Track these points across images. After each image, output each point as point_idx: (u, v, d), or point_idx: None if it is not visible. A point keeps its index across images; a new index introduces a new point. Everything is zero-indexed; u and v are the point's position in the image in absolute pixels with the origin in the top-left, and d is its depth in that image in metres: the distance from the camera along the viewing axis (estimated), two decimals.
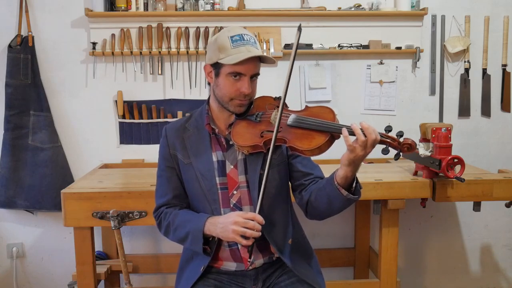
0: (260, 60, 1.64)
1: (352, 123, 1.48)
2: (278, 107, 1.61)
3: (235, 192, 1.69)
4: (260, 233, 1.53)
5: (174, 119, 2.85)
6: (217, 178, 1.68)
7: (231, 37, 1.59)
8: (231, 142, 1.66)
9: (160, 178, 1.77)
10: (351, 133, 1.46)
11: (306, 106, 1.66)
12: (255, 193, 1.65)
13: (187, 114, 1.82)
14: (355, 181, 1.55)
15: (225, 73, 1.61)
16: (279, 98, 1.69)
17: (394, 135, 1.49)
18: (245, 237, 1.53)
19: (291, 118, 1.58)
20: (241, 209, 1.69)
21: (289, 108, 1.66)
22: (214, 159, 1.69)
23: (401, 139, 1.48)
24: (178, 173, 1.73)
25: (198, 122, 1.74)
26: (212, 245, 1.69)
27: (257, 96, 1.72)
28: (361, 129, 1.45)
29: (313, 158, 1.68)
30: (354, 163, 1.48)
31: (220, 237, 1.60)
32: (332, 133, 1.51)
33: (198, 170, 1.68)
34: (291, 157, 1.73)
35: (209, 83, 1.73)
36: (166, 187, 1.75)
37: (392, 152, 1.50)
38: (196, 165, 1.69)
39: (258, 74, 1.65)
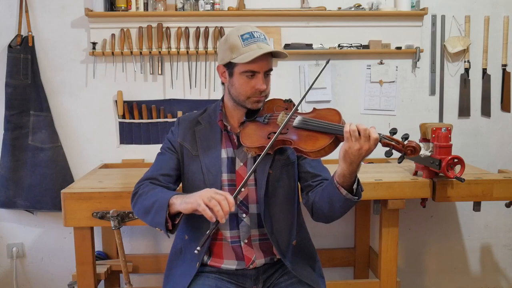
0: (272, 55, 1.65)
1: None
2: (286, 109, 1.65)
3: (242, 189, 1.69)
4: (223, 216, 1.41)
5: (175, 119, 2.85)
6: (224, 175, 1.69)
7: (241, 35, 1.61)
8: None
9: (159, 155, 1.77)
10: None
11: (314, 108, 1.67)
12: (262, 192, 1.66)
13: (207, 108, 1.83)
14: (356, 183, 1.55)
15: (238, 72, 1.62)
16: (288, 100, 1.71)
17: (400, 137, 1.48)
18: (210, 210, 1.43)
19: (297, 120, 1.60)
20: (247, 207, 1.70)
21: (298, 111, 1.67)
22: (224, 155, 1.70)
23: (406, 142, 1.47)
24: (179, 160, 1.73)
25: (211, 117, 1.75)
26: (176, 226, 1.58)
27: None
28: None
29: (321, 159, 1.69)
30: (350, 158, 1.46)
31: (183, 207, 1.49)
32: (337, 135, 1.51)
33: (205, 164, 1.69)
34: (300, 158, 1.74)
35: (222, 83, 1.74)
36: (161, 164, 1.73)
37: (396, 154, 1.48)
38: (203, 158, 1.70)
39: (271, 69, 1.67)
